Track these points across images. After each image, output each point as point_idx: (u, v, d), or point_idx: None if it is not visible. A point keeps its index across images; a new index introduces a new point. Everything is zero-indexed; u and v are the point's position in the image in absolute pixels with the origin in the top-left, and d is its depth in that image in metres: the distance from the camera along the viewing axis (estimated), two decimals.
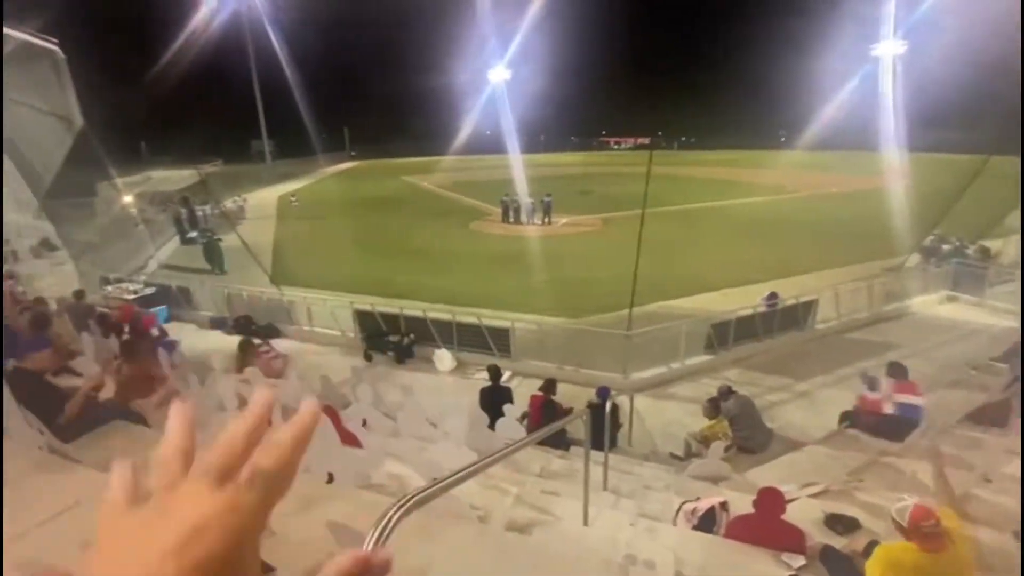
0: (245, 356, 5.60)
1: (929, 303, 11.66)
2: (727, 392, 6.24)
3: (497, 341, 9.02)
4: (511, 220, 22.22)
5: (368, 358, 9.33)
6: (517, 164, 33.92)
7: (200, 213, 20.50)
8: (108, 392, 4.88)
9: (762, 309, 9.48)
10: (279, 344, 9.38)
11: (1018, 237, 13.64)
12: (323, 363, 8.92)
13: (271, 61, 42.55)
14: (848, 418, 6.00)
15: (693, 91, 61.72)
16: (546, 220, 21.79)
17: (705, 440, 5.91)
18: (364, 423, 5.40)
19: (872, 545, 2.90)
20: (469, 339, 9.24)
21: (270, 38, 41.65)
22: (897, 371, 5.75)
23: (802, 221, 20.59)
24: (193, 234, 19.08)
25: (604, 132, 72.26)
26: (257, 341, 7.13)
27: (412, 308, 10.03)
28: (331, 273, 14.05)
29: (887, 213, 18.87)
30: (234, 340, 9.53)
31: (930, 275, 12.21)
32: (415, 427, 5.25)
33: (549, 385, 6.62)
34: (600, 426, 5.27)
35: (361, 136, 58.46)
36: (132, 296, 10.59)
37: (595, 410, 5.58)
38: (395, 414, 5.46)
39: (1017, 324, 9.76)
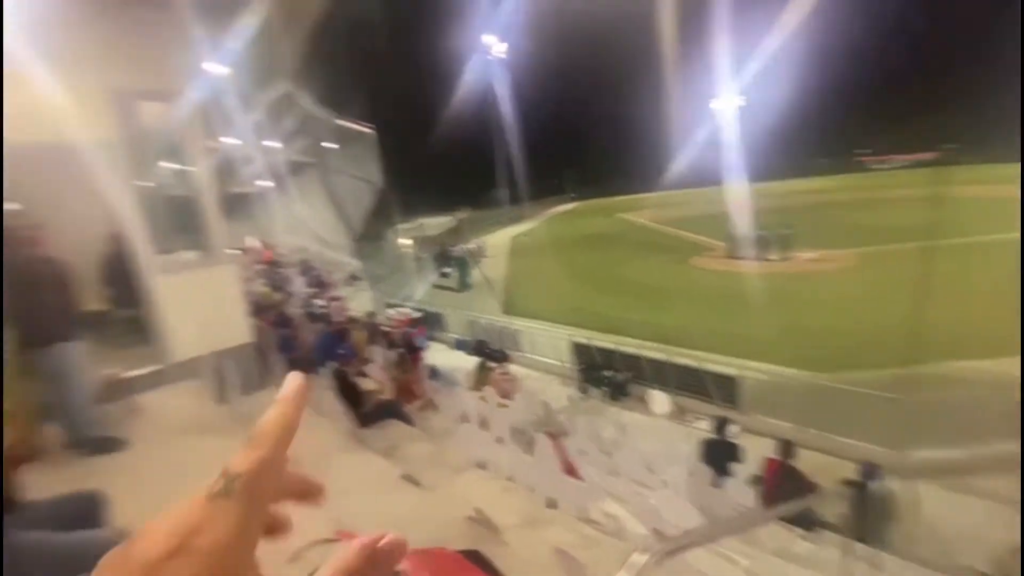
0: (482, 376, 6.42)
1: None
2: None
3: (720, 389, 8.25)
4: (740, 255, 20.28)
5: (583, 390, 9.60)
6: (747, 193, 30.96)
7: (454, 252, 24.60)
8: (388, 395, 6.19)
9: None
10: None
11: None
12: (543, 390, 9.53)
13: (508, 119, 49.17)
14: None
15: (982, 92, 46.74)
16: (785, 256, 19.20)
17: None
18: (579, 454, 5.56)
19: None
20: (687, 383, 8.70)
21: (506, 100, 48.34)
22: None
23: None
24: (447, 270, 22.95)
25: (866, 149, 60.37)
26: (492, 364, 8.09)
27: (628, 345, 9.99)
28: (552, 306, 15.08)
29: None
30: (473, 359, 11.03)
31: None
32: (632, 469, 5.15)
33: (787, 448, 5.71)
34: (862, 513, 4.29)
35: (581, 178, 62.13)
36: (404, 318, 13.26)
37: (857, 491, 4.59)
38: (611, 451, 5.46)
39: None
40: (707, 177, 52.39)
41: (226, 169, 13.25)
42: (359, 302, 15.99)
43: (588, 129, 63.72)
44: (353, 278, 18.65)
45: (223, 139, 11.95)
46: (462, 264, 20.50)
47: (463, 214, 38.91)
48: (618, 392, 9.20)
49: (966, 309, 11.27)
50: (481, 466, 4.46)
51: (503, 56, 48.12)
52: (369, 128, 22.66)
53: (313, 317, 9.83)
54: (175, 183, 8.13)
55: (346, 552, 0.31)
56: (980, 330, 10.13)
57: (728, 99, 46.74)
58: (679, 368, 8.83)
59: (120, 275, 5.29)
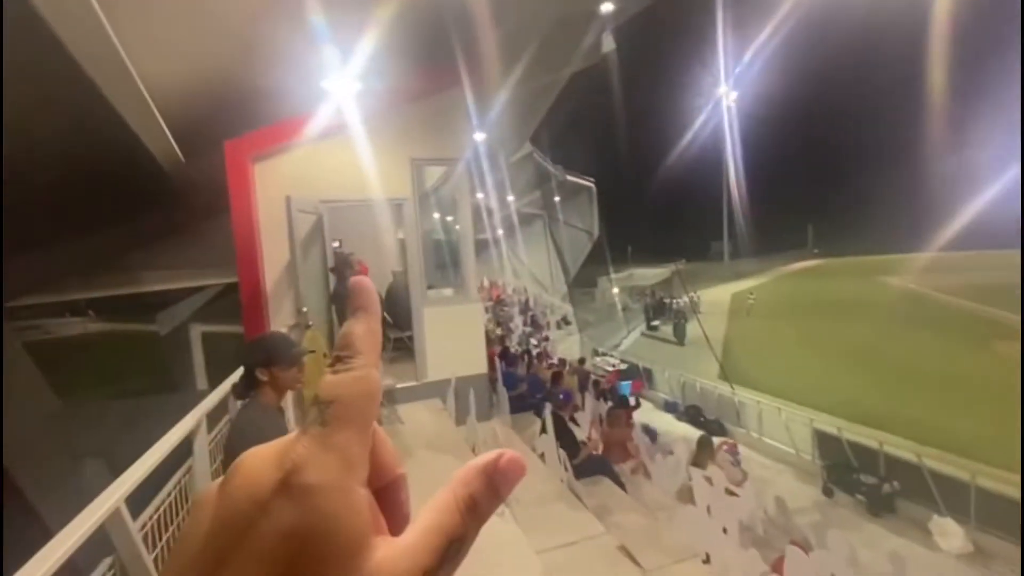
0: (705, 453, 5.75)
1: None
2: None
3: None
4: None
5: (828, 493, 7.79)
6: None
7: (666, 304, 23.62)
8: (597, 448, 6.04)
9: None
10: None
11: None
12: (774, 481, 8.09)
13: (731, 164, 45.89)
14: None
15: None
16: None
17: None
18: None
19: None
20: (998, 517, 6.24)
21: (735, 142, 45.24)
22: None
23: None
24: (656, 322, 22.07)
25: None
26: (717, 440, 7.24)
27: (895, 445, 7.80)
28: (785, 380, 12.92)
29: None
30: (683, 426, 10.10)
31: None
32: None
33: None
34: None
35: (826, 232, 53.29)
36: (611, 368, 13.08)
37: None
38: None
39: None
40: (1006, 235, 39.18)
41: (476, 220, 15.50)
42: (567, 346, 16.47)
43: (838, 175, 55.10)
44: (564, 321, 19.39)
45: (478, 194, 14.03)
46: (679, 317, 19.41)
47: (678, 265, 37.32)
48: (881, 506, 7.15)
49: None
50: (705, 561, 3.89)
51: (733, 104, 45.79)
52: (590, 181, 23.81)
53: (530, 356, 10.44)
54: (442, 231, 9.79)
55: (467, 474, 0.25)
56: None
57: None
58: (986, 494, 6.42)
59: (398, 303, 6.48)
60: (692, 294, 28.64)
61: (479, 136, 8.23)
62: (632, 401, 7.95)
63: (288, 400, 4.12)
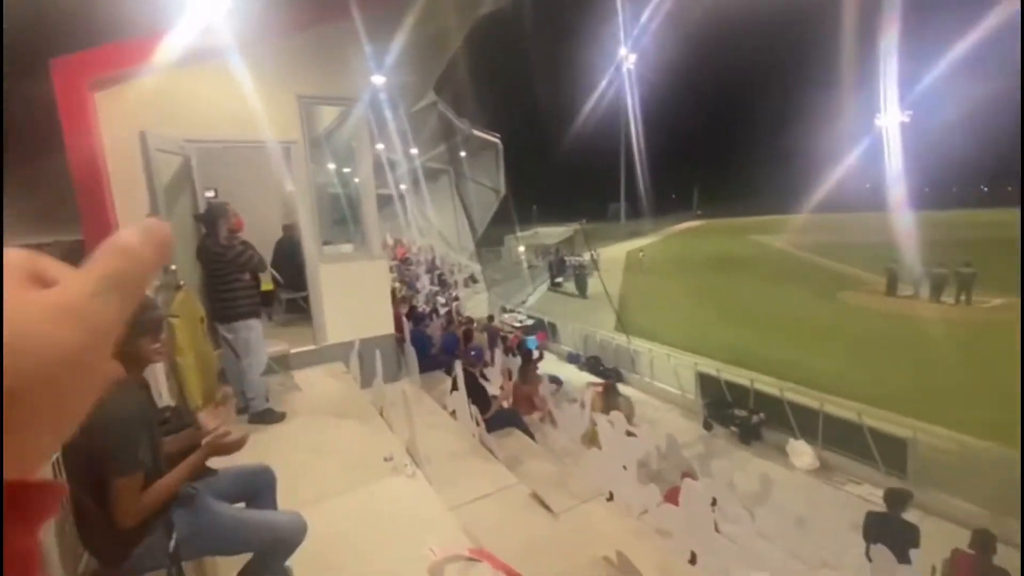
0: (609, 399, 6.10)
1: None
2: None
3: (885, 452, 6.95)
4: (903, 294, 17.42)
5: (707, 427, 8.76)
6: (913, 222, 26.53)
7: (571, 261, 24.47)
8: (507, 401, 6.13)
9: None
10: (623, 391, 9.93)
11: None
12: (664, 420, 8.89)
13: (631, 129, 47.99)
14: None
15: None
16: (962, 299, 16.07)
17: None
18: (714, 503, 4.96)
19: None
20: (840, 438, 7.48)
21: (632, 109, 47.20)
22: None
23: None
24: (560, 279, 22.85)
25: None
26: (596, 382, 7.73)
27: (762, 382, 8.93)
28: (673, 329, 14.11)
29: None
30: (585, 376, 10.65)
31: None
32: (780, 529, 4.45)
33: (985, 542, 4.57)
34: None
35: (710, 195, 58.41)
36: (519, 324, 13.34)
37: None
38: (753, 509, 4.80)
39: None
40: (857, 201, 46.31)
41: (376, 173, 14.54)
42: (475, 304, 16.48)
43: (720, 143, 59.94)
44: (472, 280, 19.32)
45: (378, 145, 13.07)
46: (580, 274, 20.25)
47: (581, 224, 38.71)
48: (750, 435, 8.22)
49: None
50: (609, 498, 4.14)
51: (632, 67, 47.25)
52: (496, 137, 23.44)
53: (438, 315, 10.25)
54: (339, 183, 8.99)
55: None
56: None
57: (890, 114, 40.77)
58: (831, 419, 7.63)
59: (289, 260, 5.88)
60: (592, 252, 30.09)
61: (377, 79, 7.54)
62: (536, 353, 8.15)
63: (159, 374, 3.57)
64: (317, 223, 5.25)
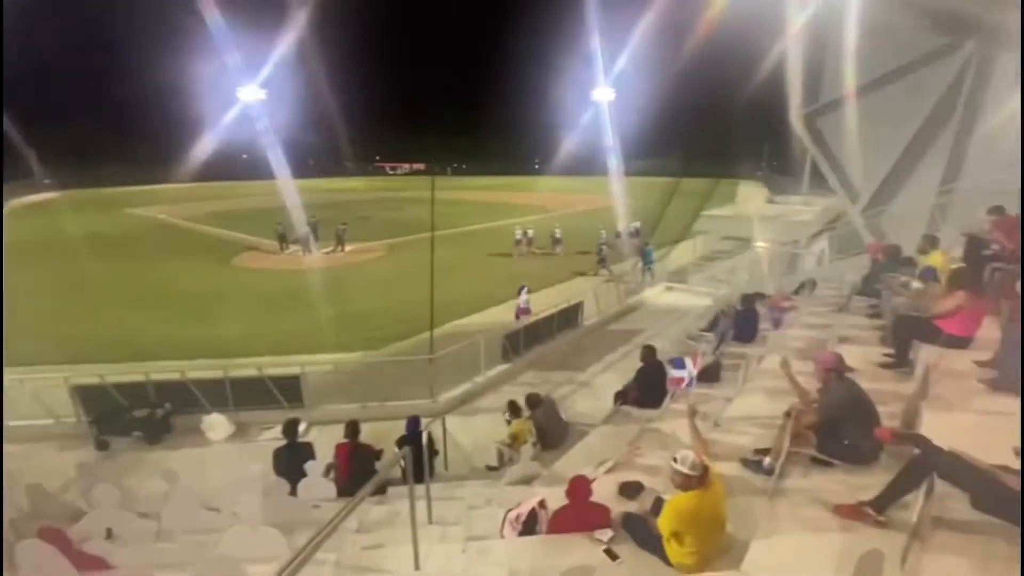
0: None
1: (655, 294, 14.88)
2: (536, 401, 6.61)
3: (286, 391, 7.96)
4: (287, 251, 20.23)
5: (102, 446, 7.15)
6: (288, 191, 30.79)
7: None
8: None
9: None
10: None
11: (702, 239, 18.57)
12: (28, 468, 6.48)
13: None
14: (620, 397, 7.10)
15: (460, 123, 66.59)
16: (339, 248, 20.54)
17: (514, 442, 6.24)
18: (109, 534, 4.09)
19: (658, 502, 3.46)
20: (249, 396, 7.91)
21: None
22: (650, 352, 7.05)
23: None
24: None
25: (378, 157, 71.86)
26: None
27: (163, 371, 8.14)
28: (32, 341, 10.33)
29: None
30: None
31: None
32: (189, 520, 4.20)
33: (352, 429, 6.07)
34: (418, 459, 5.09)
35: (57, 159, 44.62)
36: None
37: (408, 444, 5.38)
38: (157, 511, 4.28)
39: (709, 302, 13.19)
40: (241, 172, 49.14)
41: None
42: None
43: (69, 92, 46.72)
44: None
45: None
46: None
47: None
48: (157, 432, 7.33)
49: (461, 280, 15.47)
50: None
51: None
52: None
53: None
54: None
55: None
56: (470, 293, 14.16)
57: (252, 91, 44.70)
58: (238, 382, 7.89)
59: None
60: None
61: None
62: None
63: None
64: None
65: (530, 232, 20.36)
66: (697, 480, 2.85)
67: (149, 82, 45.84)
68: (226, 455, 7.13)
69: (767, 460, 3.63)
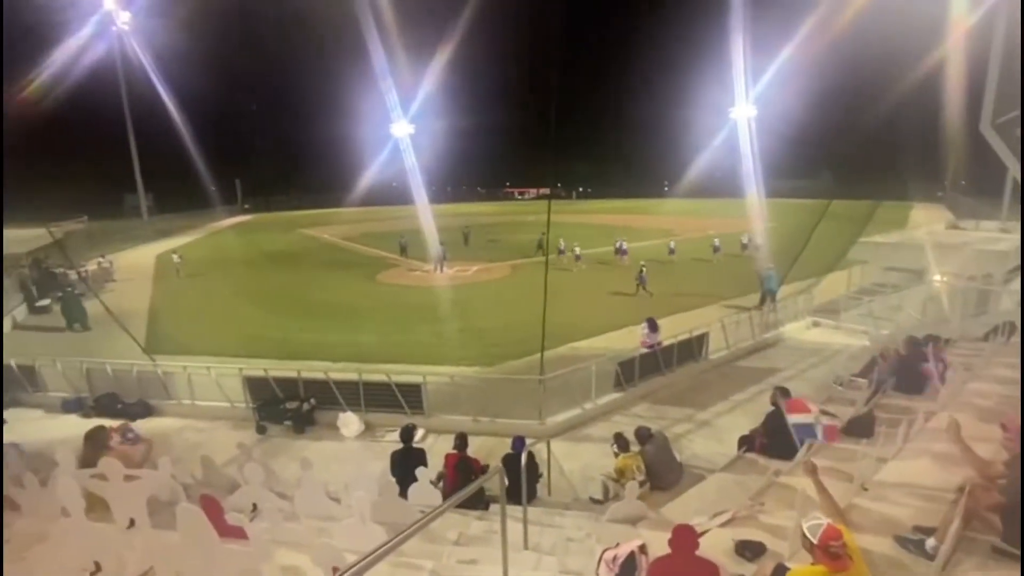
0: (95, 446, 4.68)
1: (798, 328, 13.18)
2: (646, 435, 6.25)
3: (409, 398, 8.58)
4: (420, 269, 22.06)
5: (261, 430, 8.38)
6: (429, 212, 33.69)
7: (57, 274, 17.88)
8: None
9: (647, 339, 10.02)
10: (149, 425, 8.17)
11: (859, 269, 16.10)
12: (206, 441, 7.86)
13: (148, 104, 39.56)
14: (746, 443, 6.37)
15: (587, 146, 67.23)
16: (458, 268, 21.96)
17: (620, 476, 5.91)
18: (254, 508, 4.74)
19: (780, 569, 3.00)
20: (378, 399, 8.68)
21: (147, 79, 38.95)
22: (783, 395, 6.27)
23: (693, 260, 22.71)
24: (45, 301, 16.44)
25: (508, 184, 75.49)
26: (113, 424, 6.06)
27: (312, 370, 9.31)
28: (220, 337, 12.70)
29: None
30: (92, 423, 8.16)
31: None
32: (314, 505, 4.70)
33: (461, 441, 6.30)
34: (518, 480, 5.10)
35: (255, 188, 55.41)
36: None
37: (512, 463, 5.41)
38: (291, 493, 4.87)
39: (865, 343, 11.31)
40: (391, 198, 55.36)
41: None
42: None
43: (267, 129, 57.17)
44: None
45: None
46: (68, 296, 14.97)
47: (75, 224, 28.93)
48: (303, 423, 8.40)
49: (580, 302, 15.43)
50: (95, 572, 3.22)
51: (127, 27, 38.37)
52: None
53: None
54: None
55: None
56: (588, 317, 14.03)
57: (401, 127, 50.30)
58: (369, 385, 8.72)
59: None
60: (104, 260, 23.15)
61: None
62: None
63: None
64: None
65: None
66: (833, 557, 2.40)
67: (322, 125, 54.16)
68: (354, 451, 7.87)
69: (931, 541, 2.95)
